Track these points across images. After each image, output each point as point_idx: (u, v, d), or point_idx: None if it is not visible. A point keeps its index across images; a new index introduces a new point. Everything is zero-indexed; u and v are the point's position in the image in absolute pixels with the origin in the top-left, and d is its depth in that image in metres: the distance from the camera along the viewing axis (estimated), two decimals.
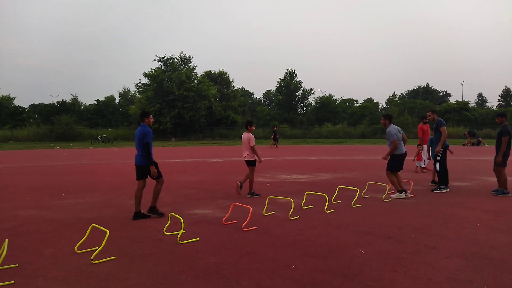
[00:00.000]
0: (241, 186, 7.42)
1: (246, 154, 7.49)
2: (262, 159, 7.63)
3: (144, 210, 5.76)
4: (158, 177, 5.77)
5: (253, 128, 7.79)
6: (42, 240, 4.59)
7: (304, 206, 6.35)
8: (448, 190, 7.75)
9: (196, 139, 43.50)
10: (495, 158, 7.38)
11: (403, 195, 7.06)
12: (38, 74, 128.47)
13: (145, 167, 5.71)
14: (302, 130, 46.12)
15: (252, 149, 7.40)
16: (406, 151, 7.34)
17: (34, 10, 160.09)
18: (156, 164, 5.70)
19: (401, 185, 7.20)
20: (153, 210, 5.80)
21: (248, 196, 7.39)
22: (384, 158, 7.42)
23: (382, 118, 7.61)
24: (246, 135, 7.51)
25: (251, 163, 7.47)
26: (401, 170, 7.30)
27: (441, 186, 7.80)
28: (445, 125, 7.96)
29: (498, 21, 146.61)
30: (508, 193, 7.23)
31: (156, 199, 5.82)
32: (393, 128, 7.33)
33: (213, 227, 5.10)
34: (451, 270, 3.46)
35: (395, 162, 7.24)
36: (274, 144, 25.94)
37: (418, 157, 11.30)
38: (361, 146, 27.10)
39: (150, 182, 5.85)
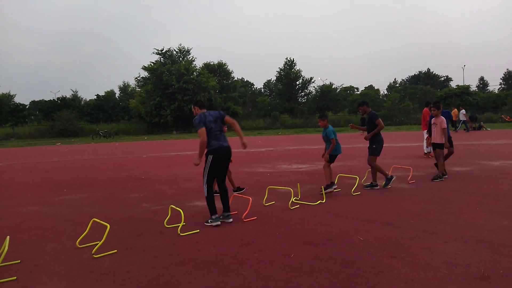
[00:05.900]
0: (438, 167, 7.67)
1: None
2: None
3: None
4: None
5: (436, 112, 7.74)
6: (43, 236, 4.63)
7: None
8: (219, 223, 4.84)
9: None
10: (369, 147, 6.98)
11: None
12: (38, 70, 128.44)
13: None
14: (303, 120, 46.05)
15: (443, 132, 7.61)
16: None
17: (31, 5, 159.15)
18: None
19: None
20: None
21: (436, 180, 7.33)
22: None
23: None
24: None
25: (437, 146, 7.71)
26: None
27: (212, 217, 4.88)
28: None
29: (499, 4, 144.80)
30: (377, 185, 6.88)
31: None
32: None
33: None
34: (449, 254, 3.47)
35: None
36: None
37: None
38: (362, 134, 27.02)
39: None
